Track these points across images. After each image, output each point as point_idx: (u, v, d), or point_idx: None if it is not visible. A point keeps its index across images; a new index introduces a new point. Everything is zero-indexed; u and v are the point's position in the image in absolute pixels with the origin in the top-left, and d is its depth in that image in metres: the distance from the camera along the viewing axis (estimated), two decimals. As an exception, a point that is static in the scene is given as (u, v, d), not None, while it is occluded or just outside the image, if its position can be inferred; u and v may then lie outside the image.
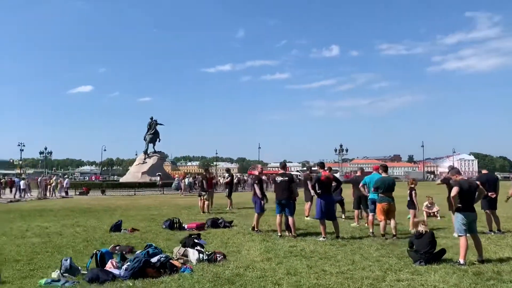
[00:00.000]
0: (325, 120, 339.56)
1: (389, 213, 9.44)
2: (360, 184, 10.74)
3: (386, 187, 9.43)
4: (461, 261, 6.72)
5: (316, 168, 10.32)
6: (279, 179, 9.84)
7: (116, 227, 10.88)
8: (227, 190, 18.54)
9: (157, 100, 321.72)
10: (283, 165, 10.40)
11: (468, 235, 6.97)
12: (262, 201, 10.44)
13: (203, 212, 15.73)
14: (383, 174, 9.78)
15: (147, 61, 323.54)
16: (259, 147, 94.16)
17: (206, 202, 15.87)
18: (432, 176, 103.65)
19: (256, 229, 10.49)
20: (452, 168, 9.96)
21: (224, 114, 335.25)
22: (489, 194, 10.05)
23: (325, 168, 10.28)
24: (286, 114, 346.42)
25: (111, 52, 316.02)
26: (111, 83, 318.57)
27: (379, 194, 9.52)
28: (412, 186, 11.30)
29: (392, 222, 9.50)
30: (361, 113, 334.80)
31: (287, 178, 9.79)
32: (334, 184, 10.24)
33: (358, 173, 12.74)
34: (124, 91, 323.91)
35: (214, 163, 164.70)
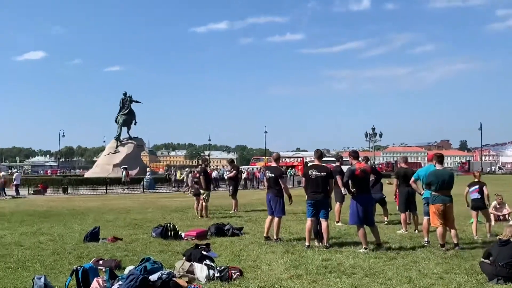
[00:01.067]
0: (351, 95, 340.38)
1: (446, 217, 9.46)
2: (412, 180, 10.77)
3: (441, 183, 9.42)
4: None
5: (348, 159, 10.32)
6: (314, 173, 9.89)
7: (93, 236, 10.97)
8: (231, 187, 18.64)
9: (130, 70, 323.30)
10: (319, 155, 10.43)
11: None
12: (283, 202, 10.58)
13: (201, 216, 15.85)
14: (438, 166, 9.78)
15: (117, 18, 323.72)
16: (265, 131, 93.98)
17: (204, 204, 15.97)
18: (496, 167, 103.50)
19: (276, 237, 10.60)
20: None
21: (218, 88, 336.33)
22: None
23: (360, 159, 10.30)
24: (300, 88, 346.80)
25: (69, 8, 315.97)
26: (70, 48, 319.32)
27: (432, 193, 9.54)
28: (477, 180, 11.38)
29: (453, 230, 9.55)
30: (398, 86, 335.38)
31: (324, 173, 9.86)
32: (372, 178, 10.33)
33: (403, 164, 12.82)
34: (87, 58, 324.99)
35: (206, 152, 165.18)
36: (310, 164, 11.44)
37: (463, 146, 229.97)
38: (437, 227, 9.53)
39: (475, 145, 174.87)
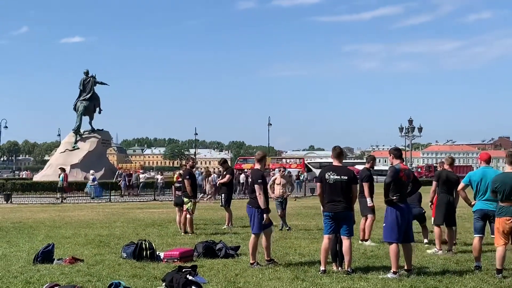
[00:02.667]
0: (382, 76, 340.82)
1: None
2: (460, 186, 10.81)
3: (509, 191, 9.46)
4: None
5: (394, 161, 10.31)
6: (332, 177, 9.99)
7: (45, 256, 11.07)
8: (223, 195, 18.72)
9: (94, 42, 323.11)
10: (338, 153, 10.42)
11: None
12: (264, 214, 10.62)
13: (185, 232, 15.97)
14: (508, 168, 9.80)
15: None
16: (269, 124, 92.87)
17: (189, 216, 16.07)
18: None
19: (252, 261, 10.70)
20: None
21: (207, 68, 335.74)
22: None
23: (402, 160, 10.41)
24: (314, 68, 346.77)
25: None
26: (13, 12, 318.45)
27: (499, 203, 9.63)
28: None
29: None
30: (444, 65, 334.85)
31: (346, 177, 9.95)
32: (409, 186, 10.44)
33: (446, 166, 13.00)
34: (37, 24, 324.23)
35: (191, 150, 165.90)
36: (326, 165, 11.49)
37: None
38: (498, 247, 9.63)
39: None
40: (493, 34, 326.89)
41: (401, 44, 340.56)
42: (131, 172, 42.49)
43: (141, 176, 44.22)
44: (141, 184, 42.36)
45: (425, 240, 13.89)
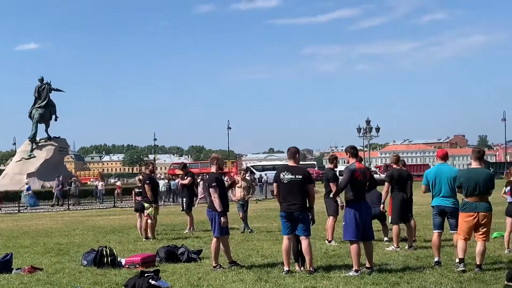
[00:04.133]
0: (340, 78, 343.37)
1: (478, 229, 9.74)
2: (422, 189, 10.92)
3: (473, 186, 9.65)
4: None
5: (350, 160, 10.39)
6: (287, 177, 10.02)
7: (3, 265, 10.88)
8: (184, 200, 18.62)
9: (50, 49, 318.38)
10: (294, 152, 10.43)
11: None
12: (221, 218, 10.57)
13: (146, 237, 15.87)
14: (474, 164, 10.03)
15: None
16: (228, 128, 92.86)
17: (150, 222, 15.97)
18: None
19: (215, 264, 10.69)
20: None
21: (165, 73, 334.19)
22: None
23: (358, 158, 10.52)
24: (273, 71, 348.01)
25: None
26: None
27: (464, 198, 9.82)
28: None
29: (480, 244, 9.73)
30: (401, 66, 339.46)
31: (300, 176, 9.98)
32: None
33: (395, 165, 13.21)
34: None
35: (151, 156, 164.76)
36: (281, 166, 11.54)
37: (483, 143, 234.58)
38: (459, 240, 9.83)
39: (498, 141, 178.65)
40: (447, 34, 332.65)
41: (358, 45, 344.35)
42: (71, 181, 41.77)
43: (99, 184, 43.72)
44: (100, 192, 41.89)
45: (385, 238, 14.05)
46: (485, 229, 9.74)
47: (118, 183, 50.60)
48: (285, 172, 10.07)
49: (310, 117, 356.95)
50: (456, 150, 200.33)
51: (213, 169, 11.14)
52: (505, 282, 7.79)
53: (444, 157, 10.96)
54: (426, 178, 10.71)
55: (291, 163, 10.32)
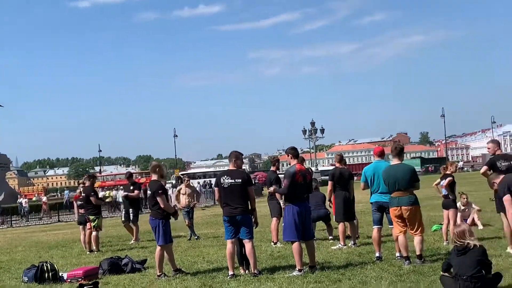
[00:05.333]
0: (285, 81, 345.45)
1: (408, 222, 9.96)
2: (361, 186, 11.14)
3: (393, 182, 9.90)
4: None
5: (292, 161, 10.46)
6: (227, 181, 10.07)
7: None
8: (131, 210, 18.40)
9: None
10: (233, 157, 10.46)
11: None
12: (163, 227, 10.57)
13: (91, 250, 15.68)
14: (394, 161, 10.27)
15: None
16: (175, 135, 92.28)
17: (95, 233, 15.78)
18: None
19: (159, 273, 10.60)
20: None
21: (108, 83, 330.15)
22: None
23: (299, 159, 10.63)
24: (219, 77, 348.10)
25: None
26: None
27: (390, 195, 10.04)
28: (449, 172, 12.03)
29: (416, 237, 9.99)
30: (343, 67, 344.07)
31: (240, 180, 10.02)
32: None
33: (337, 164, 13.43)
34: None
35: (96, 168, 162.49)
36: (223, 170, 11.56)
37: (424, 139, 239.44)
38: (398, 236, 10.03)
39: (439, 137, 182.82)
40: (387, 35, 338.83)
41: (302, 49, 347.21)
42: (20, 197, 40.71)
43: (23, 201, 42.49)
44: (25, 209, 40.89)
45: (330, 237, 14.22)
46: (413, 223, 9.92)
47: (44, 199, 49.03)
48: (225, 176, 10.13)
49: (257, 121, 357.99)
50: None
51: (154, 177, 11.08)
52: (441, 273, 7.97)
53: (381, 154, 11.20)
54: (365, 175, 10.93)
55: (231, 166, 10.39)
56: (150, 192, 10.91)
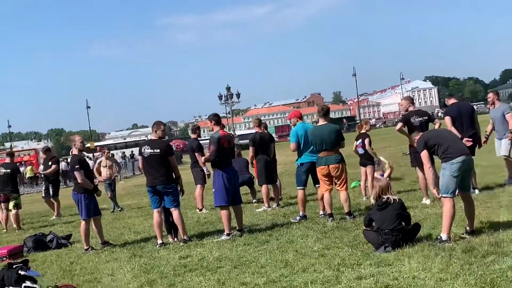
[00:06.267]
0: (198, 48, 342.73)
1: (335, 179, 10.28)
2: (292, 145, 11.15)
3: (319, 142, 10.18)
4: (444, 236, 7.65)
5: (214, 127, 10.50)
6: (147, 151, 10.08)
7: None
8: (51, 186, 18.03)
9: None
10: (156, 126, 10.39)
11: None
12: (86, 201, 10.48)
13: (7, 228, 15.40)
14: (321, 121, 10.52)
15: None
16: (88, 107, 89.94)
17: (14, 211, 15.38)
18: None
19: (86, 247, 10.58)
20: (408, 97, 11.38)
21: (14, 53, 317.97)
22: (465, 139, 11.46)
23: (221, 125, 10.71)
24: (130, 45, 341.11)
25: None
26: None
27: (318, 155, 10.29)
28: (365, 131, 12.40)
29: (343, 194, 10.37)
30: (257, 31, 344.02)
31: (158, 150, 10.01)
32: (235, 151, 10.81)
33: (257, 129, 13.64)
34: None
35: (7, 144, 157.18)
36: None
37: (337, 99, 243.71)
38: (324, 194, 10.36)
39: (351, 96, 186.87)
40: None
41: (215, 14, 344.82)
42: None
43: None
44: None
45: (254, 200, 14.45)
46: (340, 180, 10.28)
47: None
48: (146, 146, 10.16)
49: (172, 89, 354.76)
50: (313, 108, 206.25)
51: (75, 151, 10.91)
52: (363, 227, 8.30)
53: (301, 116, 11.45)
54: (297, 135, 11.00)
55: (152, 136, 10.40)
56: (70, 167, 10.77)
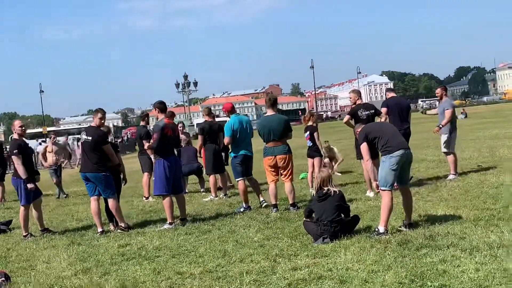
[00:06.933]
0: (157, 34, 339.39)
1: (282, 170, 10.32)
2: (226, 138, 11.04)
3: (267, 132, 10.18)
4: (381, 228, 7.73)
5: (159, 115, 10.41)
6: (83, 137, 10.01)
7: None
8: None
9: None
10: (95, 112, 10.32)
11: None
12: (29, 184, 10.22)
13: None
14: (270, 112, 10.48)
15: None
16: (41, 91, 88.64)
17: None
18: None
19: (25, 233, 10.39)
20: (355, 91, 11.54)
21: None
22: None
23: (167, 114, 10.60)
24: (87, 29, 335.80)
25: None
26: None
27: (265, 145, 10.28)
28: (312, 124, 12.41)
29: (288, 185, 10.40)
30: (216, 20, 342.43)
31: (90, 138, 9.88)
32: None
33: (206, 117, 13.57)
34: None
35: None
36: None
37: (296, 91, 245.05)
38: (270, 184, 10.38)
39: (309, 88, 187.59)
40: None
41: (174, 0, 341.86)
42: None
43: None
44: None
45: (202, 190, 14.38)
46: (286, 170, 10.32)
47: None
48: (84, 132, 10.13)
49: (130, 75, 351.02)
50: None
51: (15, 136, 10.68)
52: (304, 218, 8.34)
53: (233, 110, 11.38)
54: (232, 129, 10.88)
55: (93, 123, 10.26)
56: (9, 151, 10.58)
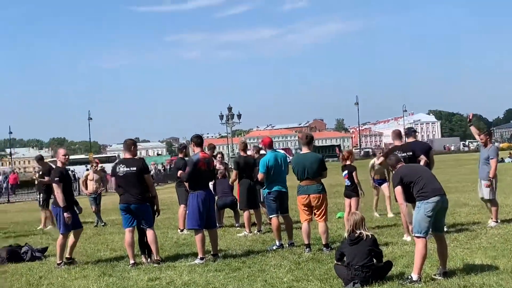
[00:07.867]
0: (202, 65, 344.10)
1: (315, 209, 10.18)
2: (260, 174, 11.00)
3: (302, 171, 10.08)
4: (414, 276, 7.52)
5: (195, 149, 10.47)
6: (122, 169, 9.99)
7: None
8: (40, 195, 17.77)
9: None
10: (129, 145, 10.30)
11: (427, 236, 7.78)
12: (66, 213, 10.24)
13: None
14: (305, 150, 10.40)
15: None
16: (90, 118, 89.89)
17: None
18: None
19: (59, 261, 10.38)
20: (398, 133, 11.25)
21: (18, 61, 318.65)
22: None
23: (203, 148, 10.61)
24: (137, 60, 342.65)
25: None
26: None
27: (299, 184, 10.19)
28: (349, 163, 12.20)
29: (321, 225, 10.23)
30: (261, 53, 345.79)
31: (135, 168, 9.93)
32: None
33: (242, 152, 13.54)
34: None
35: (7, 150, 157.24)
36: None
37: (340, 126, 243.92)
38: (303, 223, 10.25)
39: (354, 124, 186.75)
40: (306, 22, 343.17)
41: (221, 33, 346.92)
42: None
43: None
44: None
45: (237, 224, 14.30)
46: (320, 210, 10.18)
47: None
48: (121, 165, 10.08)
49: (176, 104, 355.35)
50: (316, 133, 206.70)
51: (58, 163, 10.84)
52: (335, 261, 8.18)
53: (271, 145, 11.31)
54: (266, 166, 10.80)
55: (126, 155, 10.29)
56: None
